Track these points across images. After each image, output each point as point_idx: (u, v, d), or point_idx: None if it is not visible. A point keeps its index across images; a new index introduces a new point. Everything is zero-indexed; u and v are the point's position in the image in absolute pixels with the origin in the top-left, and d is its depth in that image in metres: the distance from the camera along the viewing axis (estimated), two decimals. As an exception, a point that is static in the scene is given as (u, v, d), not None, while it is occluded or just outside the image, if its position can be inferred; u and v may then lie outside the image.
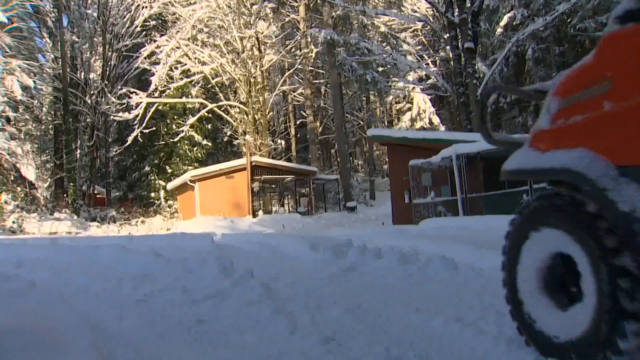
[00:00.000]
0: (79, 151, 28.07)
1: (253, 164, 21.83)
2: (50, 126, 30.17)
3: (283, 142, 36.42)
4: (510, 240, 2.54)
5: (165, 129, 29.88)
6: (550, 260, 2.34)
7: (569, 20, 24.42)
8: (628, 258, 1.97)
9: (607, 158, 2.09)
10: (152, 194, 30.81)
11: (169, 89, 26.14)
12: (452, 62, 20.65)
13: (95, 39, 29.30)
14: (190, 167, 27.88)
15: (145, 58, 25.90)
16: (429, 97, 29.54)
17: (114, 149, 31.85)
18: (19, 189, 24.28)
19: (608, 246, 2.01)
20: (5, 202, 21.86)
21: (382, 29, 28.05)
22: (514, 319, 2.52)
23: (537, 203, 2.41)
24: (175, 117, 29.99)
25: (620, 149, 2.06)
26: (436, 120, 30.25)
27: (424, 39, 28.31)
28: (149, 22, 28.34)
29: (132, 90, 25.78)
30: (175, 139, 27.83)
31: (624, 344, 1.97)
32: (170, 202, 29.74)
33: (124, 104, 25.78)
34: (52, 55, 27.28)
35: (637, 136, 1.98)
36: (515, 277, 2.49)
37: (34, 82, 24.65)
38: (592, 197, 2.10)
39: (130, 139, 26.11)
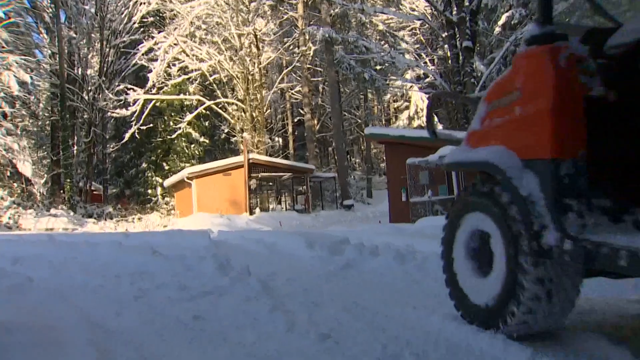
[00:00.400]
0: (75, 147, 27.99)
1: (250, 161, 21.83)
2: (47, 122, 30.07)
3: (280, 139, 36.40)
4: (446, 235, 3.07)
5: (163, 126, 29.83)
6: (472, 237, 2.87)
7: (567, 19, 24.45)
8: (525, 234, 2.47)
9: (516, 153, 2.62)
10: (149, 191, 30.78)
11: (167, 85, 26.10)
12: (450, 61, 20.65)
13: (92, 35, 29.20)
14: (187, 164, 27.84)
15: (143, 54, 25.84)
16: (427, 95, 29.52)
17: (111, 146, 31.78)
18: (15, 185, 24.22)
19: (512, 227, 2.52)
20: (2, 198, 21.80)
21: (381, 27, 28.03)
22: (452, 299, 3.00)
23: (467, 194, 2.97)
24: (173, 114, 29.94)
25: (523, 146, 2.59)
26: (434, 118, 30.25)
27: (422, 38, 28.31)
28: (147, 18, 28.25)
29: (129, 86, 25.73)
30: (173, 136, 27.79)
31: (519, 312, 2.49)
32: (167, 199, 29.71)
33: (122, 100, 25.73)
34: (50, 51, 27.19)
35: (534, 135, 2.51)
36: (452, 257, 3.01)
37: (31, 77, 24.55)
38: (502, 184, 2.62)
39: (127, 135, 26.07)
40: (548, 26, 2.64)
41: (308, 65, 27.39)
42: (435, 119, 29.78)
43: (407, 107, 32.14)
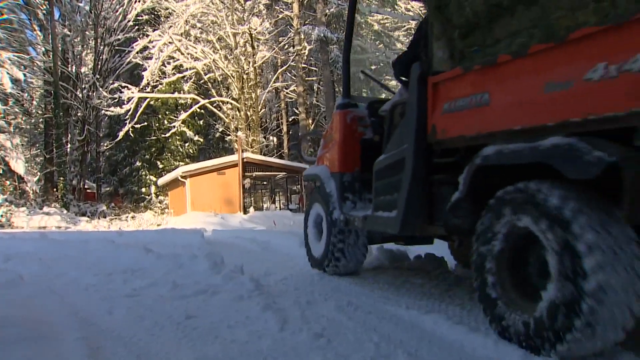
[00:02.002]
0: (69, 145, 27.84)
1: (244, 160, 21.78)
2: (41, 120, 29.91)
3: (275, 139, 36.36)
4: (305, 217, 5.24)
5: (157, 124, 29.72)
6: (316, 218, 5.00)
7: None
8: (328, 213, 4.58)
9: (329, 169, 4.70)
10: (143, 189, 30.67)
11: (161, 84, 25.98)
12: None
13: (87, 32, 29.05)
14: (181, 163, 27.75)
15: (137, 53, 25.72)
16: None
17: (105, 144, 31.64)
18: (7, 182, 24.07)
19: (326, 210, 4.62)
20: (-6, 196, 21.69)
21: (376, 27, 28.04)
22: (307, 254, 5.17)
23: (314, 193, 5.03)
24: (167, 112, 29.83)
25: (331, 165, 4.68)
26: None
27: (417, 38, 28.34)
28: (142, 16, 28.14)
29: (123, 84, 25.60)
30: (167, 135, 27.68)
31: (331, 262, 4.60)
32: (161, 197, 29.61)
33: (116, 98, 25.60)
34: (43, 48, 27.03)
35: (333, 160, 4.61)
36: (308, 231, 5.15)
37: (24, 75, 24.40)
38: (321, 186, 4.75)
39: (121, 133, 25.94)
40: (346, 99, 4.73)
41: (303, 65, 27.36)
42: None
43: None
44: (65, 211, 23.05)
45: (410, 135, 3.43)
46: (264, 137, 28.63)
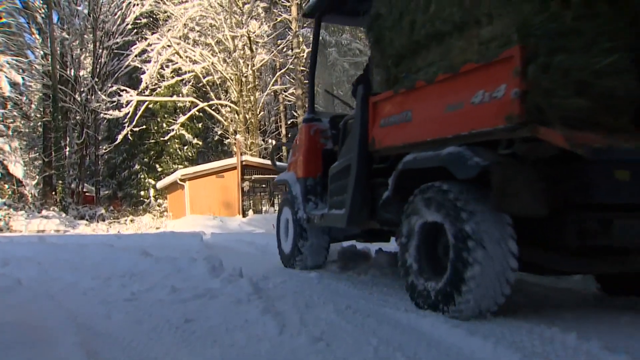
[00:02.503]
0: (68, 149, 27.83)
1: (243, 163, 21.77)
2: (39, 123, 29.89)
3: (274, 141, 36.36)
4: (277, 218, 5.91)
5: (156, 128, 29.71)
6: (286, 219, 5.62)
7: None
8: (295, 213, 5.26)
9: (295, 175, 5.40)
10: (142, 193, 30.63)
11: (160, 87, 25.98)
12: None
13: (85, 36, 29.07)
14: (180, 166, 27.73)
15: (136, 56, 25.72)
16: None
17: (104, 147, 31.61)
18: (6, 186, 24.04)
19: (292, 211, 5.30)
20: (-7, 200, 21.65)
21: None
22: (279, 252, 5.85)
23: (283, 196, 5.93)
24: (166, 115, 29.82)
25: (297, 172, 5.36)
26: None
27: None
28: (140, 19, 28.15)
29: (122, 88, 25.59)
30: (166, 138, 27.66)
31: (299, 256, 5.30)
32: (159, 200, 29.58)
33: (114, 101, 25.58)
34: (42, 52, 27.04)
35: (299, 167, 5.33)
36: (279, 231, 5.84)
37: (23, 78, 24.40)
38: (289, 190, 5.48)
39: (120, 137, 25.92)
40: (310, 114, 5.46)
41: (302, 68, 27.37)
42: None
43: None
44: (63, 215, 23.02)
45: (355, 145, 4.22)
46: (263, 140, 28.62)
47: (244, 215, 21.07)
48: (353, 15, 5.10)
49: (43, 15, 26.66)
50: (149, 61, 25.08)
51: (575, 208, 2.95)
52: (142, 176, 30.73)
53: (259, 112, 28.46)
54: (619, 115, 2.72)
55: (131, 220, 23.27)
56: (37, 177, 27.30)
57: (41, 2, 26.38)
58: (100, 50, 28.86)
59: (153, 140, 29.47)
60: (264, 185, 25.78)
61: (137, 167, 31.19)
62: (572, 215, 2.96)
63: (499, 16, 2.95)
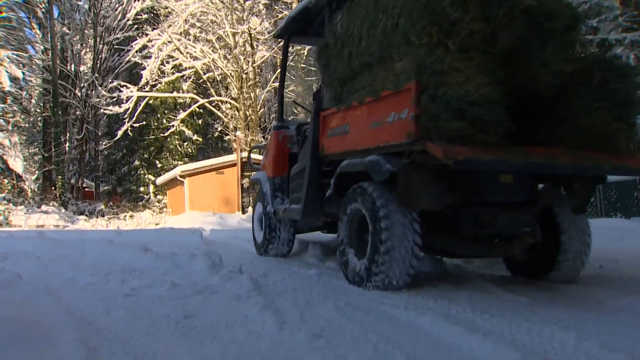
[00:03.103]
0: (67, 144, 27.81)
1: (243, 160, 21.76)
2: (39, 118, 29.87)
3: (274, 138, 36.31)
4: (252, 212, 6.83)
5: (156, 124, 29.68)
6: (258, 213, 6.50)
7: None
8: (264, 207, 6.24)
9: (267, 174, 6.29)
10: (142, 189, 30.62)
11: (160, 83, 25.93)
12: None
13: (86, 31, 29.02)
14: (180, 162, 27.72)
15: (136, 52, 25.68)
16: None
17: (104, 143, 31.60)
18: (5, 181, 24.02)
19: (265, 205, 6.19)
20: (-8, 194, 21.63)
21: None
22: (254, 243, 6.70)
23: (256, 193, 6.82)
24: (166, 111, 29.80)
25: (268, 171, 6.29)
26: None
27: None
28: (141, 15, 28.09)
29: (122, 83, 25.56)
30: (166, 134, 27.64)
31: (270, 246, 6.24)
32: (159, 196, 29.58)
33: (115, 97, 25.55)
34: (42, 47, 26.99)
35: (269, 167, 6.28)
36: (254, 223, 6.71)
37: (23, 73, 24.36)
38: (260, 188, 6.41)
39: (120, 132, 25.89)
40: (279, 122, 6.33)
41: (302, 65, 27.36)
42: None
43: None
44: (63, 210, 23.02)
45: (309, 151, 5.08)
46: (263, 137, 28.56)
47: (244, 212, 21.06)
48: (315, 37, 5.84)
49: (44, 10, 26.60)
50: (150, 57, 25.03)
51: (471, 205, 3.87)
52: (142, 172, 30.72)
53: (259, 109, 28.40)
54: (490, 134, 3.35)
55: (130, 216, 23.26)
56: (37, 172, 27.29)
57: (42, -4, 26.32)
58: (101, 46, 28.81)
59: (153, 136, 29.44)
60: (263, 182, 25.75)
61: (136, 162, 31.16)
62: (469, 210, 3.88)
63: (405, 55, 3.67)
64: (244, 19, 25.26)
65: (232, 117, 26.27)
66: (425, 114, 3.38)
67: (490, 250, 4.21)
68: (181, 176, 21.72)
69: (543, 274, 4.29)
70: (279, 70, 29.05)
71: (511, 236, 3.93)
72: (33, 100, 31.01)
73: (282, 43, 6.93)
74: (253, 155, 23.27)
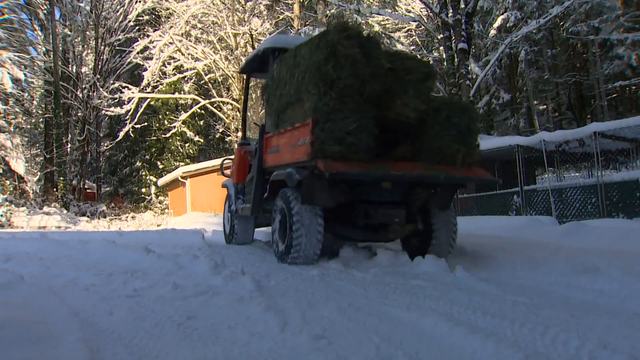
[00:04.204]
0: (69, 145, 27.86)
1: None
2: (41, 120, 29.93)
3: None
4: (223, 209, 8.52)
5: (157, 125, 29.74)
6: (227, 211, 8.28)
7: (561, 23, 24.54)
8: (229, 207, 8.08)
9: (233, 181, 8.02)
10: (143, 190, 30.67)
11: (162, 84, 25.98)
12: (445, 63, 20.68)
13: (87, 32, 29.08)
14: (181, 163, 27.76)
15: (138, 53, 25.73)
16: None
17: (105, 144, 31.65)
18: (7, 182, 24.07)
19: (230, 205, 8.05)
20: (-6, 196, 21.66)
21: (376, 28, 28.07)
22: (224, 237, 8.50)
23: (227, 197, 8.29)
24: (168, 112, 29.85)
25: (234, 178, 7.99)
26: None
27: (417, 39, 28.34)
28: (142, 16, 28.16)
29: (124, 85, 25.61)
30: (167, 135, 27.69)
31: (234, 238, 7.99)
32: (161, 198, 29.61)
33: (116, 98, 25.60)
34: (44, 48, 27.06)
35: (234, 176, 8.03)
36: (224, 218, 8.49)
37: (25, 75, 24.44)
38: (228, 192, 8.21)
39: (121, 134, 25.94)
40: (243, 140, 8.26)
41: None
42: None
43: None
44: (65, 211, 23.05)
45: (256, 163, 6.68)
46: (264, 138, 28.65)
47: (245, 212, 21.04)
48: (268, 74, 7.03)
49: (45, 12, 26.66)
50: (151, 58, 25.06)
51: (362, 202, 5.41)
52: (144, 173, 30.76)
53: (261, 110, 28.40)
54: (360, 155, 4.81)
55: (132, 217, 23.30)
56: (39, 173, 27.33)
57: (43, -2, 26.36)
58: (102, 47, 28.87)
59: (154, 138, 29.48)
60: (265, 183, 25.76)
61: (138, 164, 31.21)
62: (361, 207, 5.42)
63: (308, 99, 5.12)
64: (245, 20, 25.28)
65: (233, 118, 26.28)
66: (317, 140, 4.79)
67: (376, 235, 5.66)
68: (183, 177, 21.74)
69: (423, 252, 5.42)
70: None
71: (388, 225, 5.41)
72: (35, 102, 31.07)
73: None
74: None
